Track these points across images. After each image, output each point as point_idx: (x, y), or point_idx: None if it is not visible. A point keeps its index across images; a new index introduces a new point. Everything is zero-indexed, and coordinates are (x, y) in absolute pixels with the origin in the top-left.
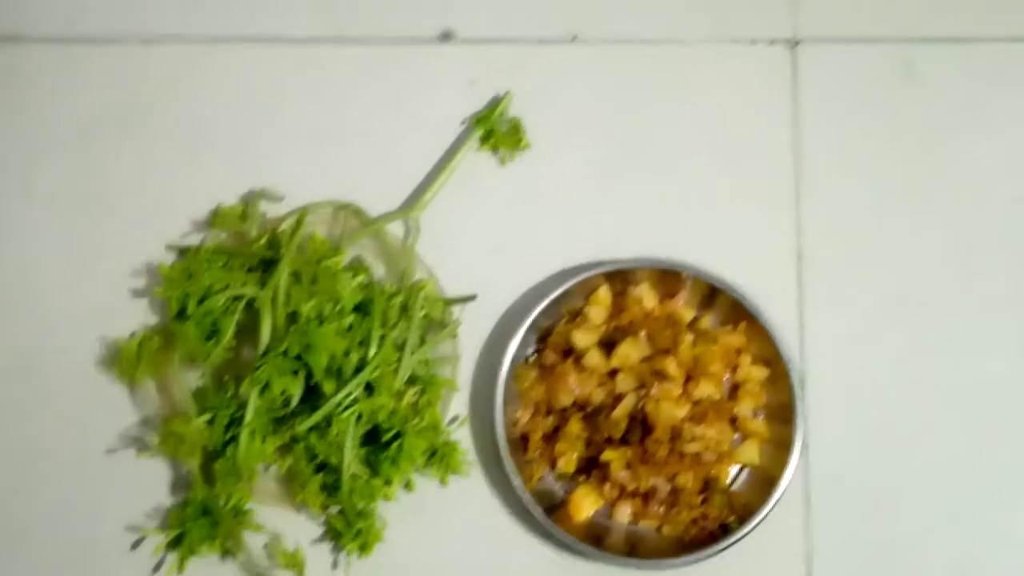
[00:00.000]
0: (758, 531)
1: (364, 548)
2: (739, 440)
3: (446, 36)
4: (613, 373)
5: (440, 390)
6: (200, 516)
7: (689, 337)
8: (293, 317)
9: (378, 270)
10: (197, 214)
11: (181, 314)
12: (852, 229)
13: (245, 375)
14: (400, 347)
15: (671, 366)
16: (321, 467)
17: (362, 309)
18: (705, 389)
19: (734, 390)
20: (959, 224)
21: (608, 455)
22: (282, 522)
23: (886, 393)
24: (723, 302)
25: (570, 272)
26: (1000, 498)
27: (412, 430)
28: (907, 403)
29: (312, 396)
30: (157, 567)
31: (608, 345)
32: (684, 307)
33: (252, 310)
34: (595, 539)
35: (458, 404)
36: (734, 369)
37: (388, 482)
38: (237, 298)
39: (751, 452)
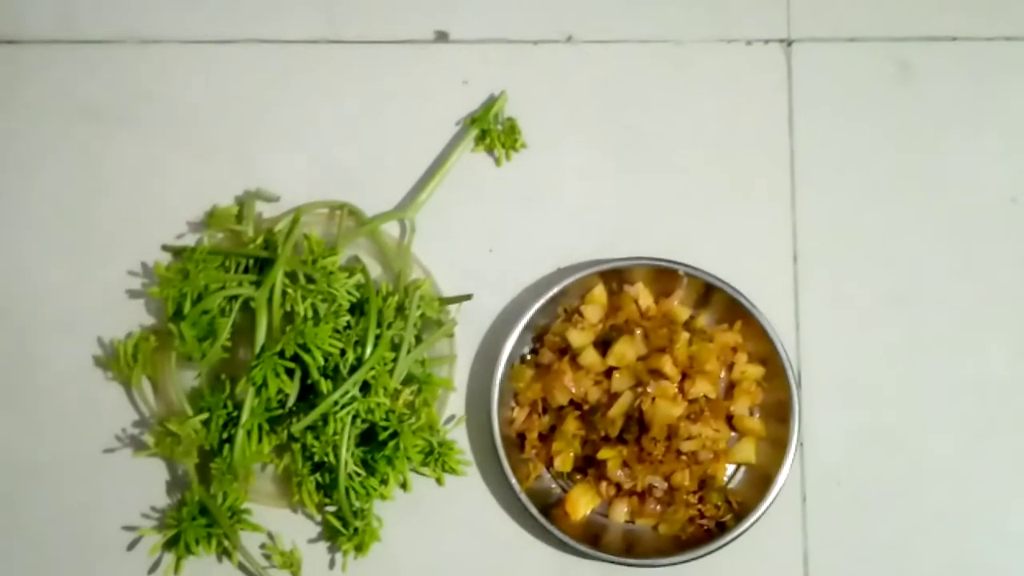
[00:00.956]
0: (755, 529)
1: (361, 548)
2: (735, 438)
3: (441, 36)
4: (609, 372)
5: (436, 389)
6: (197, 516)
7: (685, 335)
8: (289, 317)
9: (374, 270)
10: (193, 214)
11: (177, 314)
12: (848, 227)
13: (241, 375)
14: (396, 347)
15: (667, 365)
16: (317, 467)
17: (358, 309)
18: (701, 387)
19: (730, 388)
20: (955, 222)
21: (604, 454)
22: (279, 522)
23: (882, 391)
24: (719, 300)
25: (566, 271)
26: (996, 495)
27: (408, 429)
28: (903, 401)
29: (308, 396)
30: (154, 567)
31: (604, 344)
32: (680, 306)
33: (248, 310)
34: (592, 538)
35: (454, 403)
36: (730, 367)
37: (384, 481)
38: (233, 298)
39: (747, 450)
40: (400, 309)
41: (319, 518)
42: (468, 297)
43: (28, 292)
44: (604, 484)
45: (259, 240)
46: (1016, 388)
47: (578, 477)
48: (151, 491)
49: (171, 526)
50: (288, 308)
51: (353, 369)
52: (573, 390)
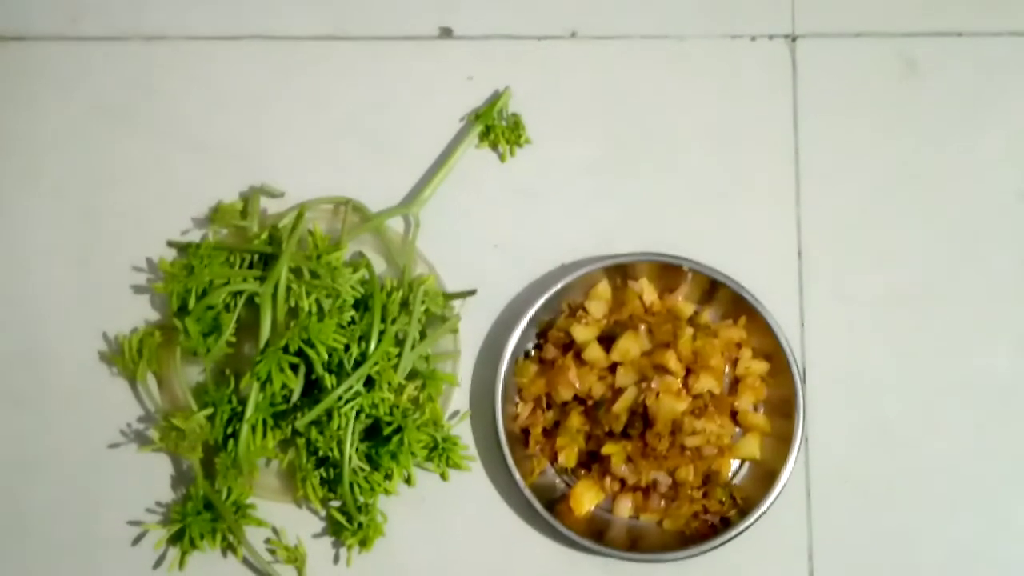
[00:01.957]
0: (759, 525)
1: (365, 543)
2: (740, 434)
3: (446, 32)
4: (613, 367)
5: (441, 385)
6: (201, 511)
7: (689, 331)
8: (294, 312)
9: (379, 265)
10: (198, 210)
11: (182, 309)
12: (852, 223)
13: (246, 370)
14: (400, 342)
15: (671, 360)
16: (322, 462)
17: (362, 304)
18: (705, 383)
19: (735, 384)
20: (960, 218)
21: (609, 449)
22: (283, 517)
23: (887, 387)
24: (723, 296)
25: (570, 267)
26: (1000, 491)
27: (413, 425)
28: (908, 397)
29: (313, 391)
30: (158, 562)
31: (608, 339)
32: (684, 301)
33: (253, 305)
34: (596, 533)
35: (459, 399)
36: (734, 363)
37: (389, 477)
38: (238, 294)
39: (752, 446)
40: (404, 304)
41: (323, 513)
42: (472, 292)
43: (34, 288)
44: (608, 479)
45: (263, 236)
46: (1020, 382)
47: (582, 472)
48: (156, 486)
49: (176, 521)
50: (292, 303)
51: (357, 364)
52: (577, 385)
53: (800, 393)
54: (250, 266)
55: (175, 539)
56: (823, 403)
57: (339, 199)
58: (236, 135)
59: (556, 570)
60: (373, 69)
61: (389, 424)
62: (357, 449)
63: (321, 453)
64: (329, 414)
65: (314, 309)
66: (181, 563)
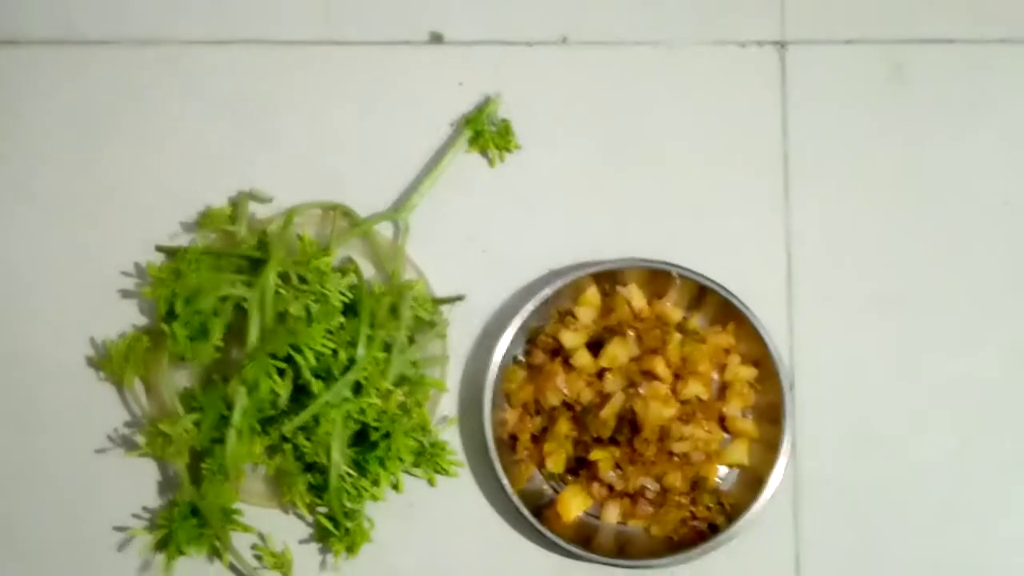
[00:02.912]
0: (747, 531)
1: (352, 548)
2: (728, 440)
3: (436, 38)
4: (601, 373)
5: (429, 390)
6: (188, 516)
7: (677, 337)
8: (282, 317)
9: (367, 271)
10: (186, 215)
11: (170, 314)
12: (841, 229)
13: (233, 375)
14: (389, 347)
15: (659, 366)
16: (309, 467)
17: (351, 309)
18: (693, 389)
19: (723, 390)
20: (948, 224)
21: (596, 455)
22: (270, 522)
23: (875, 393)
24: (712, 302)
25: (559, 273)
26: (987, 497)
27: (400, 430)
28: (896, 403)
29: (300, 396)
30: (145, 567)
31: (596, 345)
32: (673, 307)
33: (241, 310)
34: (584, 539)
35: (447, 404)
36: (722, 369)
37: (376, 482)
38: (225, 298)
39: (740, 452)
40: (393, 310)
41: (310, 519)
42: (461, 298)
43: (21, 292)
44: (596, 485)
45: (252, 241)
46: (1008, 389)
47: (570, 478)
48: (142, 491)
49: (162, 526)
50: (280, 309)
51: (345, 370)
52: (565, 391)
53: (788, 399)
54: (238, 271)
55: (161, 545)
56: (811, 409)
57: (328, 204)
58: (225, 140)
59: None
60: (363, 74)
61: (377, 430)
62: (344, 454)
63: (308, 458)
64: (316, 419)
65: (302, 314)
66: (167, 569)
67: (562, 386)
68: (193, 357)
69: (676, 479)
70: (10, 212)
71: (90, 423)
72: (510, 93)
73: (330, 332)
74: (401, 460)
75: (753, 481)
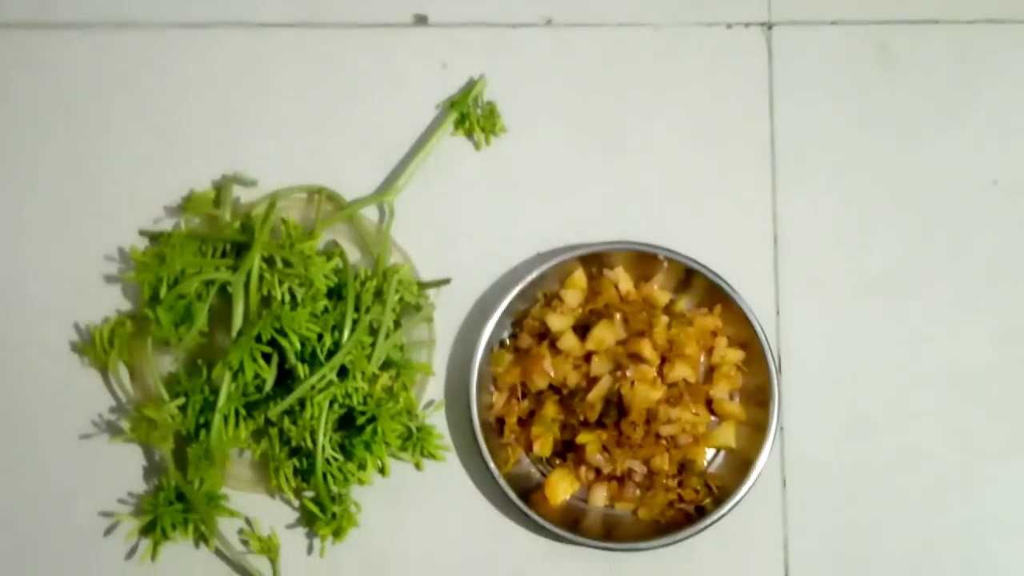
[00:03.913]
0: (734, 513)
1: (339, 533)
2: (715, 423)
3: (420, 20)
4: (588, 356)
5: (415, 374)
6: (173, 501)
7: (664, 320)
8: (266, 301)
9: (352, 254)
10: (170, 199)
11: (154, 299)
12: (828, 211)
13: (218, 360)
14: (374, 331)
15: (646, 349)
16: (295, 452)
17: (336, 293)
18: (680, 371)
19: (710, 373)
20: (936, 205)
21: (583, 438)
22: (256, 507)
23: (862, 376)
24: (699, 285)
25: (545, 256)
26: (975, 481)
27: (387, 414)
28: (883, 386)
29: (286, 381)
30: (131, 553)
31: (583, 328)
32: (659, 290)
33: (225, 295)
34: (571, 522)
35: (433, 388)
36: (710, 352)
37: (362, 466)
38: (210, 283)
39: (727, 435)
40: (378, 294)
41: (297, 503)
42: (447, 281)
43: (4, 277)
44: (583, 469)
45: (236, 225)
46: (996, 372)
47: (557, 462)
48: (128, 477)
49: (147, 512)
50: (265, 292)
51: (331, 354)
52: (552, 374)
53: (775, 382)
54: (223, 255)
55: (147, 530)
56: (798, 392)
57: (312, 188)
58: (208, 123)
59: (531, 559)
60: (347, 56)
61: (363, 414)
62: (330, 439)
63: (294, 443)
64: (302, 404)
65: (287, 298)
66: (153, 554)
67: (549, 369)
68: (178, 342)
69: (663, 462)
70: None
71: (74, 408)
72: (495, 76)
73: (315, 316)
74: (387, 444)
75: (741, 464)
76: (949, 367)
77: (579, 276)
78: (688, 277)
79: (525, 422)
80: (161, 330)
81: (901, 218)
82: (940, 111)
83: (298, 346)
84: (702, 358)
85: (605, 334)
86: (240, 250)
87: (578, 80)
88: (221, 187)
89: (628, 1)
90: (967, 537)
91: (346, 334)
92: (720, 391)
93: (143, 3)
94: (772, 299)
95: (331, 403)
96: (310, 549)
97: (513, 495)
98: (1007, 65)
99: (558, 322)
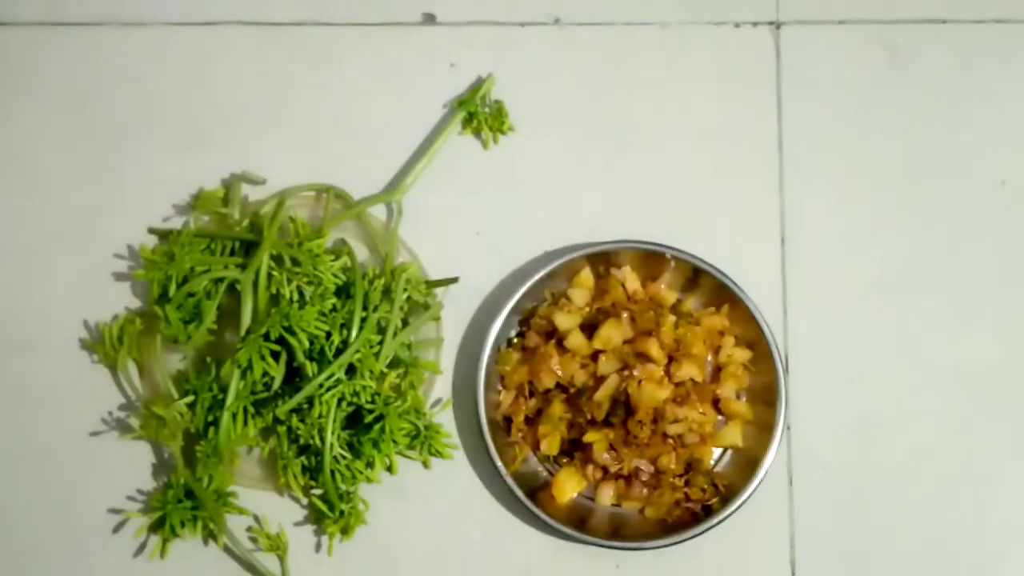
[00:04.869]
0: (741, 513)
1: (346, 531)
2: (722, 422)
3: (428, 18)
4: (596, 355)
5: (423, 372)
6: (182, 499)
7: (672, 319)
8: (275, 300)
9: (361, 253)
10: (179, 197)
11: (163, 297)
12: (836, 211)
13: (227, 358)
14: (382, 330)
15: (653, 348)
16: (303, 450)
17: (344, 292)
18: (688, 371)
19: (717, 372)
20: (944, 205)
21: (591, 437)
22: (264, 505)
23: (869, 375)
24: (706, 284)
25: (553, 254)
26: (982, 480)
27: (394, 412)
28: (890, 385)
29: (294, 379)
30: (139, 550)
31: (591, 327)
32: (667, 289)
33: (234, 293)
34: (578, 521)
35: (441, 386)
36: (717, 351)
37: (370, 464)
38: (219, 281)
39: (734, 434)
40: (386, 292)
41: (305, 501)
42: (455, 280)
43: (13, 275)
44: (590, 467)
45: (245, 223)
46: (1003, 372)
47: (564, 460)
48: (137, 474)
49: (156, 509)
50: (274, 291)
51: (339, 352)
52: (559, 373)
53: (782, 381)
54: (231, 253)
55: (156, 527)
56: (805, 391)
57: (321, 186)
58: (217, 122)
59: (538, 557)
60: (355, 55)
61: (371, 412)
62: (339, 437)
63: (302, 441)
64: (310, 402)
65: (295, 296)
66: (162, 551)
67: (556, 368)
68: (186, 339)
69: (670, 461)
70: (2, 195)
71: (84, 406)
72: (503, 75)
73: (323, 314)
74: (395, 442)
75: (747, 463)
76: (956, 367)
77: (586, 275)
78: (695, 276)
79: (532, 421)
80: (170, 328)
81: (909, 218)
82: (948, 111)
83: (306, 344)
84: (709, 357)
85: (612, 333)
86: (249, 248)
87: (586, 79)
88: (230, 185)
89: (636, 0)
90: (974, 537)
91: (354, 332)
92: (727, 390)
93: (152, 2)
94: (779, 299)
95: (339, 401)
96: (318, 547)
97: (520, 493)
98: (1016, 65)
99: (565, 321)
